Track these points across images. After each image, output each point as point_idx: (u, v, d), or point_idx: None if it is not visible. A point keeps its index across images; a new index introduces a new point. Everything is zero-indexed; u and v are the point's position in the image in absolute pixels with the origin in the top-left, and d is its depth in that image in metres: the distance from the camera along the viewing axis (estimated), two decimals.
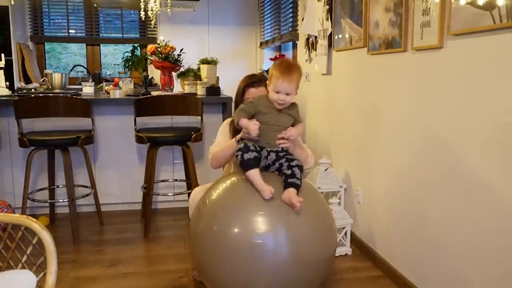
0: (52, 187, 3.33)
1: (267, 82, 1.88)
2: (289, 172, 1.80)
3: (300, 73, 1.85)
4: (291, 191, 1.72)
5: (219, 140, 2.26)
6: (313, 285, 1.86)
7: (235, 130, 2.10)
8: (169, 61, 3.64)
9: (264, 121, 1.84)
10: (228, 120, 2.34)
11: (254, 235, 1.70)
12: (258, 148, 1.83)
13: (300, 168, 1.82)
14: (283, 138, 1.85)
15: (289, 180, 1.77)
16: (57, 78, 3.64)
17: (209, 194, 1.91)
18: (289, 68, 1.81)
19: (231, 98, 3.28)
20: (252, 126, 1.81)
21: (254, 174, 1.76)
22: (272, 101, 1.83)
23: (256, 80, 2.20)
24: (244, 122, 1.83)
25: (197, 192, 2.18)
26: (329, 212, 1.94)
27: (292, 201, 1.69)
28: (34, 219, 1.35)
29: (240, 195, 1.83)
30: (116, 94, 3.35)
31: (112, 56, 6.40)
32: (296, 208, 1.68)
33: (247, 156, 1.78)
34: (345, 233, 2.69)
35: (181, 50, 3.74)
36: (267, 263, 1.70)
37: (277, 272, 1.72)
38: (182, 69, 3.83)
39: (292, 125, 1.91)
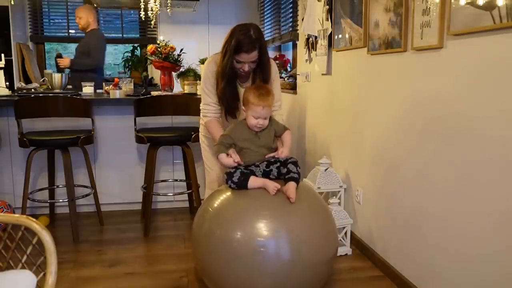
0: (52, 187, 3.33)
1: (243, 107, 2.03)
2: (285, 170, 1.98)
3: (273, 96, 2.02)
4: (291, 184, 1.90)
5: (208, 102, 2.33)
6: (314, 286, 1.86)
7: (228, 80, 2.22)
8: (169, 61, 3.64)
9: (245, 147, 1.99)
10: (211, 68, 2.35)
11: (256, 238, 1.72)
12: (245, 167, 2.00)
13: (295, 163, 2.00)
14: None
15: (287, 176, 1.94)
16: (57, 78, 3.64)
17: (211, 200, 1.95)
18: (264, 93, 1.97)
19: None
20: (231, 163, 1.97)
21: (252, 181, 1.91)
22: (251, 127, 1.98)
23: (249, 42, 2.14)
24: (224, 159, 1.97)
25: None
26: (329, 214, 1.98)
27: (288, 194, 1.84)
28: (34, 219, 1.35)
29: (241, 200, 1.88)
30: (116, 94, 3.35)
31: (112, 56, 6.39)
32: (291, 201, 1.83)
33: (235, 179, 1.92)
34: (345, 233, 2.69)
35: (181, 50, 3.74)
36: (268, 265, 1.71)
37: (278, 274, 1.73)
38: (182, 69, 3.83)
39: (276, 137, 2.08)
